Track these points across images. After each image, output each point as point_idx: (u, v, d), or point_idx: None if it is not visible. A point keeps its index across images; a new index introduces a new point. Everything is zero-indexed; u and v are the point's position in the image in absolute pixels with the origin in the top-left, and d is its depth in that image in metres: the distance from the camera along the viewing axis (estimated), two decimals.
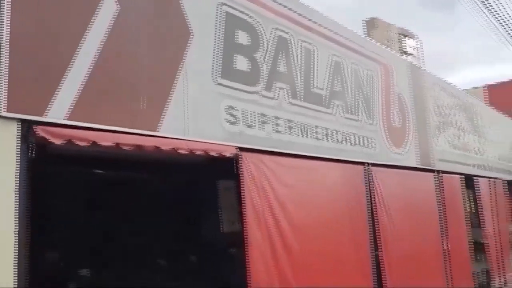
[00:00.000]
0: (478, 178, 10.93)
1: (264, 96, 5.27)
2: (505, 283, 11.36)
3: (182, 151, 4.12)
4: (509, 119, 15.29)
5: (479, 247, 10.87)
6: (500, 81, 23.98)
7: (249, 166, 4.85)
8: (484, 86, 22.67)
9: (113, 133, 3.58)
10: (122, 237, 6.35)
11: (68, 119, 3.44)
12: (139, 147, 3.74)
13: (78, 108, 3.50)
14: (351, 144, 6.67)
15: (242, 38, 5.14)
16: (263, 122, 5.18)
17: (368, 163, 6.91)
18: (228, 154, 4.64)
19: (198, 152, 4.29)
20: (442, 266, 8.70)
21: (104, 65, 3.72)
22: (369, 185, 6.88)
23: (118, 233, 6.28)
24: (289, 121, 5.56)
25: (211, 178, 6.13)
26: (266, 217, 5.01)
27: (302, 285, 5.28)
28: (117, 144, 3.55)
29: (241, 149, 4.81)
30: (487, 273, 10.92)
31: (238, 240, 6.34)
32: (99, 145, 3.45)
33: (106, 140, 3.49)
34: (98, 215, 6.22)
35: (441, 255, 8.76)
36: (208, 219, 6.36)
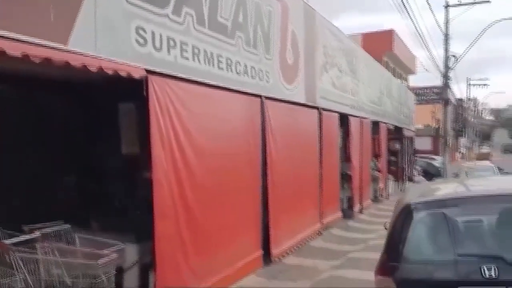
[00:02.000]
0: (351, 117, 12.15)
1: (172, 20, 5.17)
2: (362, 209, 13.15)
3: (92, 68, 3.96)
4: (380, 66, 16.94)
5: (345, 178, 12.33)
6: (374, 30, 26.15)
7: (156, 89, 4.85)
8: (360, 33, 24.54)
9: (21, 43, 3.30)
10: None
11: None
12: (48, 60, 3.52)
13: None
14: (250, 77, 6.93)
15: None
16: (171, 47, 5.13)
17: (263, 96, 7.29)
18: (136, 75, 4.56)
19: (108, 71, 4.16)
20: (317, 192, 9.75)
21: None
22: (263, 117, 7.31)
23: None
24: (195, 47, 5.58)
25: (110, 100, 5.95)
26: (171, 141, 5.12)
27: (201, 204, 5.61)
28: (26, 56, 3.30)
29: (149, 72, 4.76)
30: (350, 200, 12.51)
31: (138, 162, 6.41)
32: (5, 55, 3.18)
33: (14, 50, 3.22)
34: None
35: (317, 182, 9.80)
36: (107, 141, 6.23)
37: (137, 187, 6.16)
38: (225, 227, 6.24)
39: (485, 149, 61.82)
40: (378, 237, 9.73)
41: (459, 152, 51.41)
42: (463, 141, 52.59)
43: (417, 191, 4.34)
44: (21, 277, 4.20)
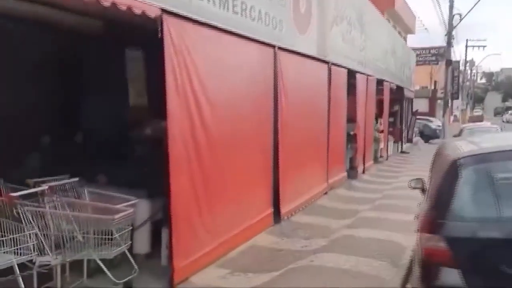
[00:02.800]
0: (358, 73, 11.74)
1: None
2: (365, 169, 12.97)
3: (105, 3, 3.51)
4: (387, 24, 16.37)
5: (349, 138, 12.05)
6: None
7: (171, 31, 4.40)
8: None
9: None
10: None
11: None
12: None
13: None
14: (264, 24, 6.45)
15: None
16: None
17: (276, 46, 6.85)
18: (152, 14, 4.11)
19: (121, 7, 3.71)
20: (325, 150, 9.48)
21: None
22: (275, 68, 6.89)
23: None
24: None
25: (118, 50, 5.48)
26: (186, 91, 4.73)
27: (214, 159, 5.28)
28: None
29: (164, 11, 4.30)
30: (352, 160, 12.28)
31: (146, 115, 6.03)
32: None
33: None
34: None
35: (325, 141, 9.51)
36: (114, 92, 5.80)
37: (145, 141, 5.80)
38: (237, 184, 5.95)
39: (477, 112, 61.94)
40: (384, 197, 9.60)
41: (453, 115, 51.46)
42: (456, 103, 52.53)
43: (459, 146, 4.04)
44: (32, 232, 3.86)
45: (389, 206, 8.57)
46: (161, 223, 5.08)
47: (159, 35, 4.21)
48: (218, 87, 5.36)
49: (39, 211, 3.95)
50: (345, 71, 10.60)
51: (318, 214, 7.92)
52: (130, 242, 4.20)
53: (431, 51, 36.93)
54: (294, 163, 7.62)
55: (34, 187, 4.64)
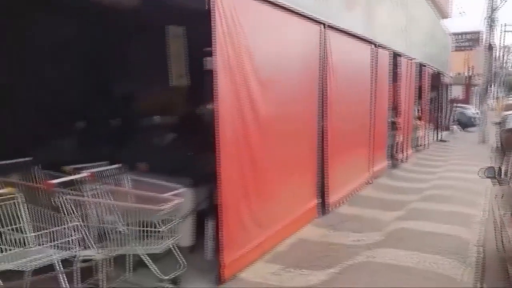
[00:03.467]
0: (401, 56, 11.08)
1: None
2: (405, 158, 12.34)
3: None
4: (428, 7, 15.55)
5: (390, 125, 11.42)
6: None
7: (221, 3, 3.96)
8: None
9: None
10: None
11: None
12: None
13: None
14: None
15: None
16: None
17: (325, 24, 6.33)
18: None
19: None
20: (369, 137, 8.94)
21: None
22: (323, 48, 6.39)
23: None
24: None
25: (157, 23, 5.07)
26: (235, 67, 4.28)
27: (262, 144, 4.85)
28: None
29: None
30: (393, 148, 11.66)
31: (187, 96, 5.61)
32: None
33: None
34: None
35: (369, 128, 8.96)
36: (155, 71, 5.40)
37: (187, 125, 5.39)
38: (285, 171, 5.51)
39: (510, 100, 59.68)
40: (433, 187, 8.99)
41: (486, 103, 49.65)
42: (491, 90, 50.60)
43: None
44: (74, 224, 3.49)
45: (440, 197, 7.99)
46: (204, 213, 4.69)
47: (206, 7, 3.76)
48: (268, 66, 4.91)
49: (80, 201, 3.58)
50: (389, 53, 9.98)
51: (364, 206, 7.41)
52: (179, 236, 3.80)
53: (465, 36, 35.55)
54: (340, 149, 7.13)
55: (73, 174, 4.31)
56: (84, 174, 3.86)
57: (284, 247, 5.27)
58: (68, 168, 4.39)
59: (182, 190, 4.02)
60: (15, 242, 3.30)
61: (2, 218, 3.28)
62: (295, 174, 5.85)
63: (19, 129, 5.16)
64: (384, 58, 9.65)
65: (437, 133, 18.45)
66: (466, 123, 25.27)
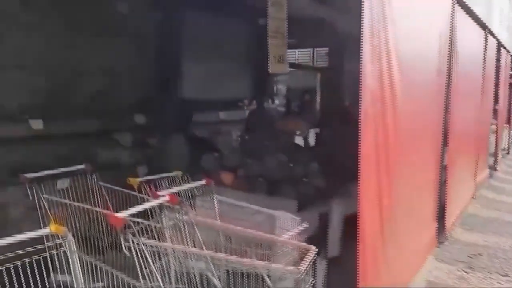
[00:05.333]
0: (502, 49, 9.41)
1: None
2: (496, 165, 10.61)
3: None
4: None
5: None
6: None
7: None
8: None
9: None
10: None
11: None
12: None
13: None
14: None
15: None
16: None
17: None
18: None
19: None
20: (475, 139, 7.37)
21: None
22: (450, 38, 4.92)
23: None
24: None
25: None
26: (381, 57, 2.91)
27: (400, 156, 3.45)
28: None
29: None
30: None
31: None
32: None
33: None
34: None
35: (478, 128, 7.43)
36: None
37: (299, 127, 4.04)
38: (412, 190, 4.09)
39: None
40: None
41: None
42: None
43: None
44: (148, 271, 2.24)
45: None
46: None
47: None
48: (409, 59, 3.52)
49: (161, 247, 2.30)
50: (496, 43, 8.33)
51: (482, 230, 5.88)
52: None
53: None
54: (458, 156, 5.65)
55: (139, 189, 3.11)
56: (164, 197, 2.57)
57: None
58: (135, 180, 3.17)
59: (305, 226, 2.67)
60: None
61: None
62: (421, 192, 4.44)
63: None
64: (493, 49, 8.04)
65: None
66: None
